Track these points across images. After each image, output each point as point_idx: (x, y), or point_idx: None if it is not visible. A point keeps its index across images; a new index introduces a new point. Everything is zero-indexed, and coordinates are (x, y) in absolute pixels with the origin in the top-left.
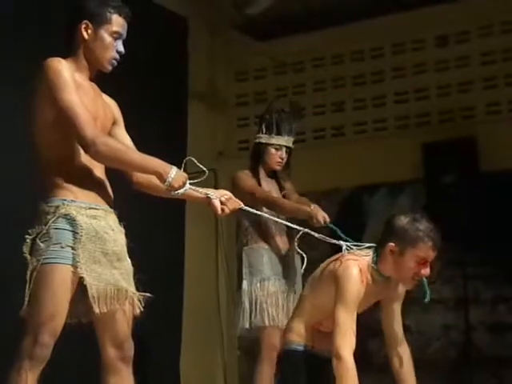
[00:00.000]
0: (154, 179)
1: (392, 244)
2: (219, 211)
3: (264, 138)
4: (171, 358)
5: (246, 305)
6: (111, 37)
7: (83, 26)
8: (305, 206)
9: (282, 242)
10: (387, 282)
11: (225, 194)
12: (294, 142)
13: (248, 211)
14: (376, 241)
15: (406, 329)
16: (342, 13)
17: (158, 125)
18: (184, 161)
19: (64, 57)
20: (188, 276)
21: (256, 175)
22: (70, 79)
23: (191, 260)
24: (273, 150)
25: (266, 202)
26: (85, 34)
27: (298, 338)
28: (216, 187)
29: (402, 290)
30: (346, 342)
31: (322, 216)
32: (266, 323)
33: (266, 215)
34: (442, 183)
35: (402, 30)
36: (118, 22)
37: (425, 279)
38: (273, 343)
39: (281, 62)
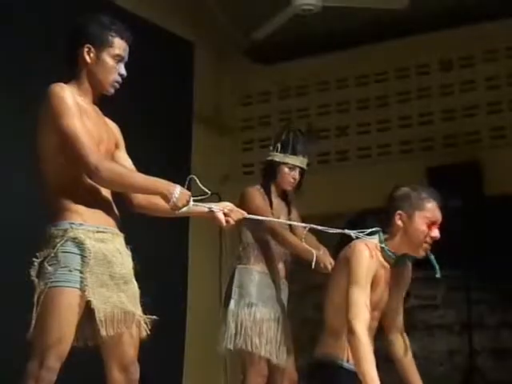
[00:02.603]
0: (153, 200)
1: (399, 211)
2: (224, 223)
3: (279, 157)
4: (173, 382)
5: (232, 326)
6: (113, 60)
7: (85, 49)
8: (312, 249)
9: (277, 268)
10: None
11: (227, 205)
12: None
13: (252, 219)
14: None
15: None
16: (346, 37)
17: (162, 148)
18: (187, 179)
19: (66, 80)
20: (191, 297)
21: (268, 192)
22: (73, 105)
23: (194, 281)
24: (286, 170)
25: (272, 232)
26: (87, 57)
27: (328, 349)
28: None
29: (408, 278)
30: (359, 317)
31: (329, 262)
32: (250, 350)
33: (271, 219)
34: (446, 207)
35: (406, 55)
36: (120, 45)
37: (432, 256)
38: (259, 370)
39: (285, 86)
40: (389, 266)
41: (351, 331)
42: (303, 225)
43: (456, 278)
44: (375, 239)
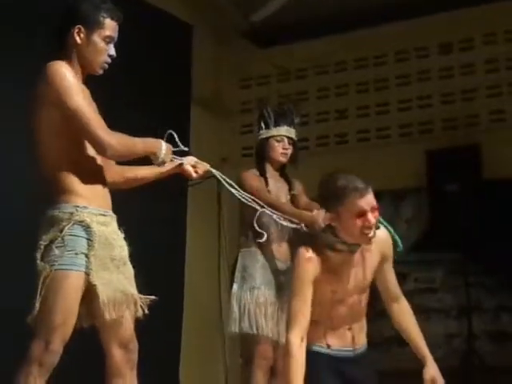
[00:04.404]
0: (127, 174)
1: (328, 213)
2: (194, 174)
3: (264, 134)
4: (171, 367)
5: (235, 309)
6: (103, 41)
7: (76, 30)
8: (306, 212)
9: (281, 249)
10: (358, 250)
11: (192, 158)
12: (301, 148)
13: (218, 178)
14: None
15: None
16: (346, 20)
17: (160, 131)
18: (165, 134)
19: (57, 59)
20: (188, 280)
21: (263, 173)
22: (75, 82)
23: (192, 264)
24: (275, 143)
25: (267, 205)
26: (77, 38)
27: (310, 339)
28: (219, 193)
29: (385, 251)
30: (294, 326)
31: (323, 221)
32: (255, 332)
33: (239, 192)
34: (445, 191)
35: (405, 38)
36: (110, 26)
37: (391, 229)
38: (263, 352)
39: (284, 69)
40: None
41: (286, 341)
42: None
43: (454, 262)
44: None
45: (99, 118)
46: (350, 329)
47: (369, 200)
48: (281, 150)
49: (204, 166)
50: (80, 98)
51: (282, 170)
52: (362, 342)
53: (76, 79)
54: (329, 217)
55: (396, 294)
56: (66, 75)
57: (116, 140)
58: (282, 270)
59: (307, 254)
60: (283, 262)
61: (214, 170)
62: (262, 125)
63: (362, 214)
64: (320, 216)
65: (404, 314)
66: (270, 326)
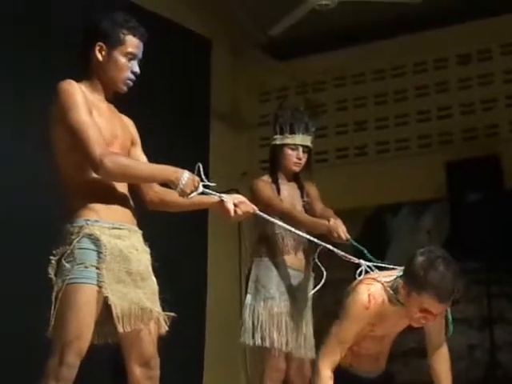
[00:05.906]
0: (164, 197)
1: (402, 282)
2: (232, 213)
3: (279, 139)
4: (194, 378)
5: (249, 321)
6: (125, 58)
7: (97, 47)
8: (323, 221)
9: (297, 259)
10: None
11: (238, 197)
12: (320, 161)
13: (262, 217)
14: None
15: None
16: (363, 32)
17: (180, 145)
18: (196, 167)
19: (79, 78)
20: (211, 293)
21: (275, 181)
22: (81, 100)
23: (214, 276)
24: (289, 151)
25: (282, 216)
26: (99, 55)
27: None
28: None
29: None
30: (328, 360)
31: (342, 231)
32: (267, 345)
33: (282, 223)
34: (466, 202)
35: (423, 49)
36: (132, 43)
37: (449, 314)
38: (276, 364)
39: (302, 82)
40: None
41: (316, 375)
42: (318, 241)
43: (476, 272)
44: (391, 276)
45: (99, 137)
46: (377, 359)
47: (441, 308)
48: (294, 160)
49: (247, 207)
50: (81, 115)
51: (295, 175)
52: (382, 367)
53: (83, 97)
54: (401, 284)
55: (438, 344)
56: (72, 93)
57: (111, 160)
58: (296, 281)
59: (367, 300)
60: (298, 272)
61: (262, 213)
62: (277, 129)
63: (429, 312)
64: (338, 225)
65: (439, 362)
66: (283, 338)
